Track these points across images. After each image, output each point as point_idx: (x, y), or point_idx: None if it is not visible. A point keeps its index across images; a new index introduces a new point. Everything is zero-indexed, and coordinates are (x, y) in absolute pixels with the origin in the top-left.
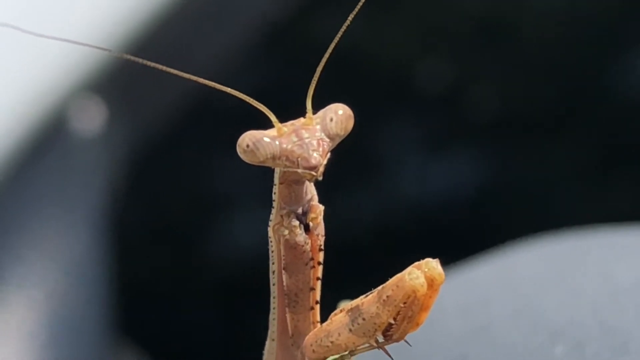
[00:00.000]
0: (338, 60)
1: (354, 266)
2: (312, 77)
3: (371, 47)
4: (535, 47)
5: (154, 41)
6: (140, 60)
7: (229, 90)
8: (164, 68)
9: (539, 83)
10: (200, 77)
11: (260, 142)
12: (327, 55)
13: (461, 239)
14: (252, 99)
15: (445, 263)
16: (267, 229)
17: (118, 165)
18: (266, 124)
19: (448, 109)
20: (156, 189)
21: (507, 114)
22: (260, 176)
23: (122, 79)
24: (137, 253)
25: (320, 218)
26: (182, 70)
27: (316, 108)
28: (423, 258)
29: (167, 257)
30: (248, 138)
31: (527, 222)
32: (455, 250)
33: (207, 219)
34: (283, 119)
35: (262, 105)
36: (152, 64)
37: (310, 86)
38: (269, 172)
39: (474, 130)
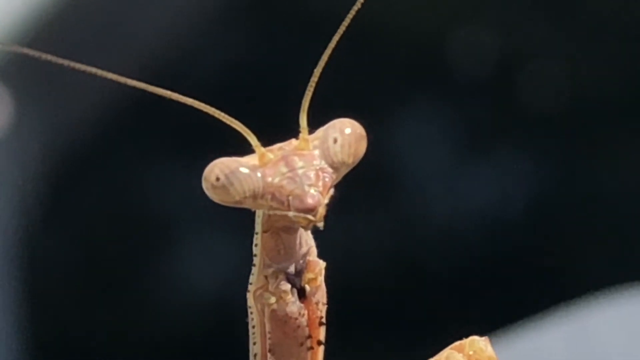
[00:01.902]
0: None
1: (365, 322)
2: (308, 72)
3: (385, 14)
4: (611, 15)
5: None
6: (48, 57)
7: (181, 98)
8: (85, 68)
9: (615, 63)
10: (142, 58)
11: (236, 175)
12: (332, 44)
13: (511, 278)
14: (219, 112)
15: (493, 325)
16: (231, 263)
17: (29, 179)
18: (243, 146)
19: (491, 97)
20: (77, 211)
21: (573, 104)
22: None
23: (34, 71)
24: (54, 300)
25: (321, 279)
26: (121, 48)
27: (314, 122)
28: (460, 312)
29: (92, 305)
30: (218, 169)
31: (603, 250)
32: (505, 296)
33: (143, 250)
34: (267, 140)
35: (236, 121)
36: (64, 61)
37: (306, 93)
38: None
39: (527, 125)
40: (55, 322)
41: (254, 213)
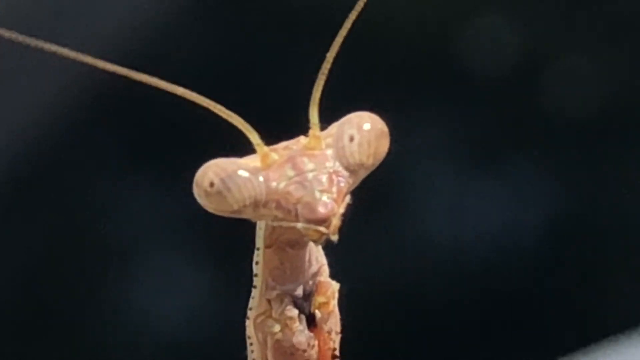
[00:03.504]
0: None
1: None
2: (316, 61)
3: (384, 6)
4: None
5: None
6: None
7: (170, 87)
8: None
9: None
10: (120, 43)
11: (234, 179)
12: (344, 30)
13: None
14: (214, 104)
15: None
16: (200, 292)
17: None
18: (242, 145)
19: (504, 101)
20: (19, 231)
21: (599, 110)
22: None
23: None
24: None
25: (334, 303)
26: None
27: (324, 118)
28: (467, 340)
29: (32, 338)
30: (213, 172)
31: (633, 280)
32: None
33: (98, 277)
34: (271, 137)
35: (235, 115)
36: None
37: (317, 82)
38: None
39: (544, 134)
40: None
41: (251, 225)
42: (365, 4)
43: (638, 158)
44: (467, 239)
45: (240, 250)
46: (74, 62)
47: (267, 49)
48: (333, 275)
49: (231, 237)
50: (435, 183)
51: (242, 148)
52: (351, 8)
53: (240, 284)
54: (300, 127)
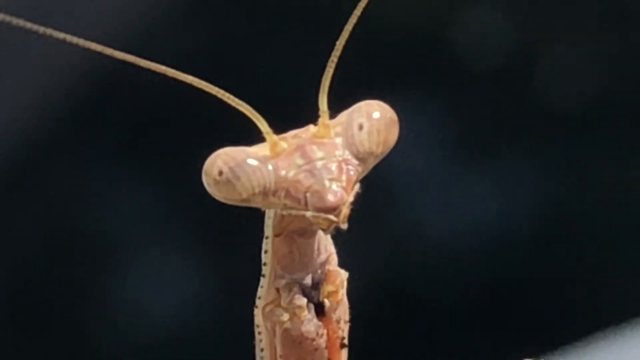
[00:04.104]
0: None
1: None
2: (325, 52)
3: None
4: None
5: None
6: None
7: (178, 75)
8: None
9: None
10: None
11: (243, 168)
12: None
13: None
14: (222, 92)
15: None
16: (190, 288)
17: None
18: (249, 135)
19: (496, 95)
20: (6, 226)
21: (593, 101)
22: (180, 202)
23: None
24: None
25: (343, 292)
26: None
27: (333, 106)
28: (461, 342)
29: (21, 335)
30: (222, 160)
31: (625, 273)
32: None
33: (89, 273)
34: (280, 126)
35: (243, 104)
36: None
37: (327, 70)
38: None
39: (536, 127)
40: None
41: (260, 214)
42: None
43: (629, 152)
44: (460, 233)
45: (232, 245)
46: (66, 57)
47: (276, 37)
48: (341, 265)
49: (224, 232)
50: (427, 176)
51: (249, 135)
52: None
53: (233, 278)
54: (309, 116)
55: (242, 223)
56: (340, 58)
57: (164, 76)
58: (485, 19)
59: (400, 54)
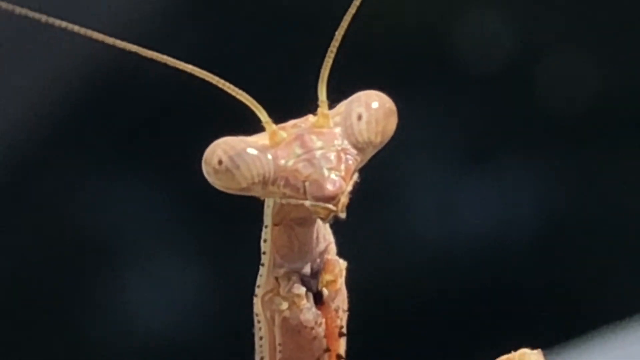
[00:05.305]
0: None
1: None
2: (323, 44)
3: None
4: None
5: None
6: None
7: (178, 64)
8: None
9: None
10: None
11: (243, 157)
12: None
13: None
14: (223, 81)
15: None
16: (186, 291)
17: None
18: (249, 125)
19: (497, 99)
20: (3, 229)
21: (595, 106)
22: (179, 201)
23: None
24: None
25: (341, 281)
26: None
27: (333, 106)
28: (460, 339)
29: (24, 341)
30: (221, 150)
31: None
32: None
33: (88, 273)
34: (279, 116)
35: (243, 93)
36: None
37: (326, 59)
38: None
39: (536, 131)
40: None
41: (258, 204)
42: None
43: (629, 157)
44: (459, 236)
45: (229, 246)
46: (66, 57)
47: (276, 29)
48: (340, 254)
49: (224, 232)
50: (427, 180)
51: (249, 125)
52: None
53: (230, 280)
54: (308, 106)
55: (241, 220)
56: (341, 62)
57: (163, 76)
58: (486, 22)
59: (400, 57)
